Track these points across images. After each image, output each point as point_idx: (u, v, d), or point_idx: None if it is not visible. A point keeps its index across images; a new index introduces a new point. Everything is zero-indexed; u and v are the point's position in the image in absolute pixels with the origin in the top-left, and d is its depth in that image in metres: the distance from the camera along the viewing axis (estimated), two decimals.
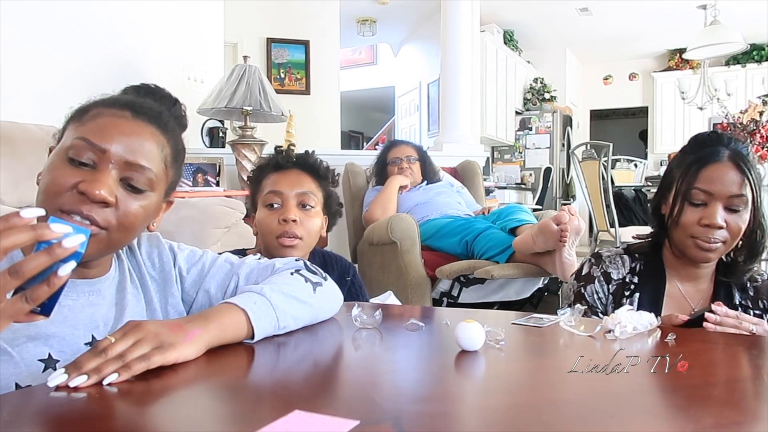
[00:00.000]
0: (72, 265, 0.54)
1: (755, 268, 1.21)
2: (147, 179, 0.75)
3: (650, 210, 1.29)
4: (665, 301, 1.21)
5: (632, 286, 1.24)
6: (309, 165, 1.40)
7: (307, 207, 1.35)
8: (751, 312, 1.19)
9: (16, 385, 0.70)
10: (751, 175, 1.12)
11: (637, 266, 1.26)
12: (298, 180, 1.36)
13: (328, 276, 0.92)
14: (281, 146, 1.53)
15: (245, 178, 2.98)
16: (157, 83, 0.90)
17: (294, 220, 1.30)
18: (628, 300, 1.22)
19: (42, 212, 0.56)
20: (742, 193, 1.11)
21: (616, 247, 1.32)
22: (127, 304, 0.82)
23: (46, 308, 0.57)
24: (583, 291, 1.25)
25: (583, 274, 1.29)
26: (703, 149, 1.15)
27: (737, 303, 1.20)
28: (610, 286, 1.25)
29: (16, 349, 0.71)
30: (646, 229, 1.32)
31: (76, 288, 0.77)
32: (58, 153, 0.74)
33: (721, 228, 1.11)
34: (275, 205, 1.34)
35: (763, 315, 1.20)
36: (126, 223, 0.74)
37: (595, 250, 1.37)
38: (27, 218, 0.53)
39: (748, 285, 1.22)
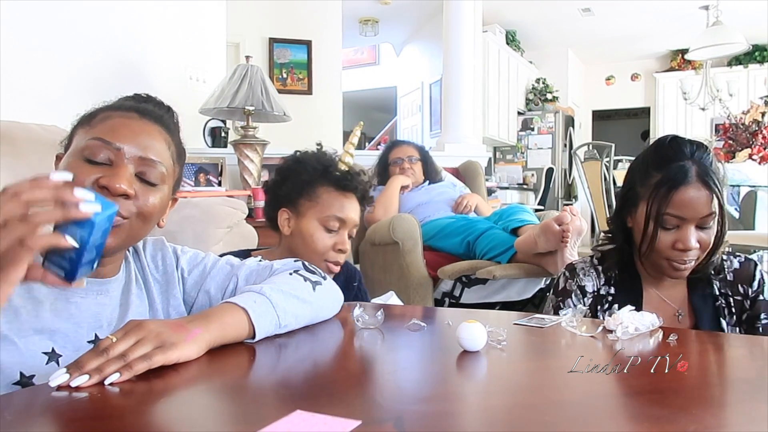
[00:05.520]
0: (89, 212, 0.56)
1: (716, 258, 1.20)
2: (159, 173, 0.79)
3: (610, 222, 1.27)
4: (644, 308, 1.16)
5: (609, 298, 1.22)
6: (363, 196, 1.42)
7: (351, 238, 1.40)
8: (731, 299, 1.19)
9: (21, 374, 0.71)
10: (717, 188, 1.11)
11: (612, 275, 1.24)
12: (357, 210, 1.39)
13: (327, 276, 0.93)
14: (337, 154, 1.44)
15: (247, 179, 2.98)
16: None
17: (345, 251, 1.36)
18: (607, 312, 1.18)
19: (69, 176, 0.59)
20: (713, 211, 1.10)
21: (590, 256, 1.29)
22: (130, 304, 0.83)
23: (69, 274, 0.60)
24: (561, 306, 1.23)
25: (560, 288, 1.26)
26: (668, 165, 1.12)
27: (717, 293, 1.20)
28: (585, 299, 1.23)
29: (22, 340, 0.72)
30: None
31: (86, 286, 0.78)
32: (72, 155, 0.77)
33: (695, 249, 1.12)
34: (333, 231, 1.35)
35: (744, 300, 1.19)
36: (145, 212, 0.77)
37: (570, 261, 1.38)
38: (54, 180, 0.56)
39: (726, 272, 1.21)
